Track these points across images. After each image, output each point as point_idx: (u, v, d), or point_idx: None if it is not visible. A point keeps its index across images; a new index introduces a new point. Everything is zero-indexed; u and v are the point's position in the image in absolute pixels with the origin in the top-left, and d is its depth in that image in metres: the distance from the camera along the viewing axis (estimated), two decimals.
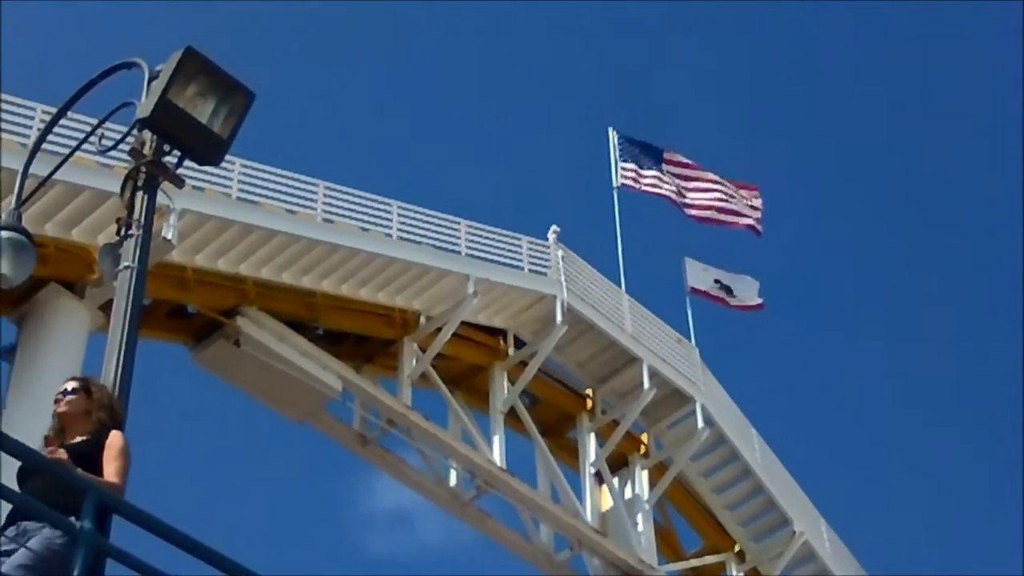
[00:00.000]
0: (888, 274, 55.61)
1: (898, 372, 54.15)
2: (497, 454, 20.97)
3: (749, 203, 27.06)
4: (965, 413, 53.88)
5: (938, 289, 54.63)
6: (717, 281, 26.47)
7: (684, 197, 26.41)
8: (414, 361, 20.55)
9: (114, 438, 6.90)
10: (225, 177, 17.79)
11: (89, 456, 6.73)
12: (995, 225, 54.48)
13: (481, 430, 21.29)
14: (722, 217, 26.66)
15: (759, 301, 26.79)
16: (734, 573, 24.35)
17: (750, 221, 26.86)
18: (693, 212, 26.51)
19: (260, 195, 18.26)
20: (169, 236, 16.09)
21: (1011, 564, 48.41)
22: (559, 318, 21.49)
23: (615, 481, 22.84)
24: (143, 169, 8.74)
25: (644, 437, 23.89)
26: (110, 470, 6.71)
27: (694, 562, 24.51)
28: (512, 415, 21.74)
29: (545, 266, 21.91)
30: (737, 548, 24.55)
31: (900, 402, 54.04)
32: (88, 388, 7.21)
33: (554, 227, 22.50)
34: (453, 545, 49.45)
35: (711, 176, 26.99)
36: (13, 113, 15.70)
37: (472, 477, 21.13)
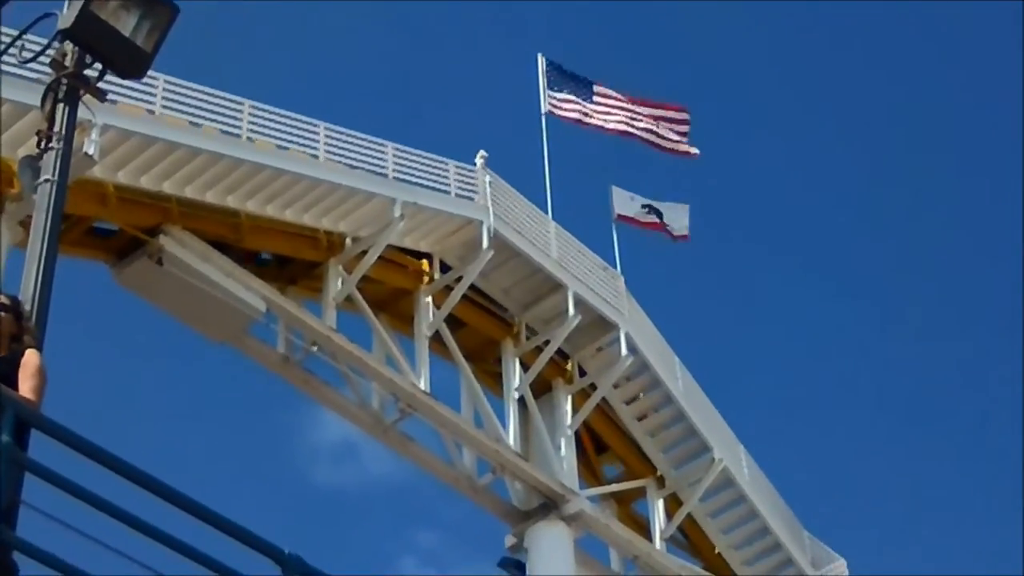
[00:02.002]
0: (818, 205, 56.04)
1: (823, 301, 54.86)
2: (421, 378, 21.00)
3: (679, 129, 27.03)
4: (888, 344, 54.75)
5: (872, 223, 55.25)
6: (645, 206, 26.55)
7: (612, 124, 26.37)
8: (339, 284, 20.47)
9: (30, 356, 6.81)
10: (148, 93, 17.55)
11: (3, 376, 6.63)
12: (935, 158, 54.97)
13: (406, 354, 21.30)
14: (653, 140, 26.67)
15: (685, 232, 26.89)
16: (654, 499, 24.65)
17: (684, 148, 26.87)
18: (619, 129, 26.43)
19: (184, 113, 18.03)
20: (91, 151, 15.84)
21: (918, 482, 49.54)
22: (485, 243, 21.48)
23: (538, 407, 22.99)
24: (64, 81, 8.60)
25: (568, 364, 24.03)
26: (26, 387, 6.62)
27: (614, 487, 24.79)
28: (437, 340, 21.77)
29: (472, 191, 21.85)
30: (657, 474, 24.83)
31: (823, 331, 54.70)
32: (19, 311, 7.10)
33: (482, 152, 22.44)
34: (400, 476, 49.76)
35: (643, 109, 26.95)
36: None
37: (395, 401, 21.16)
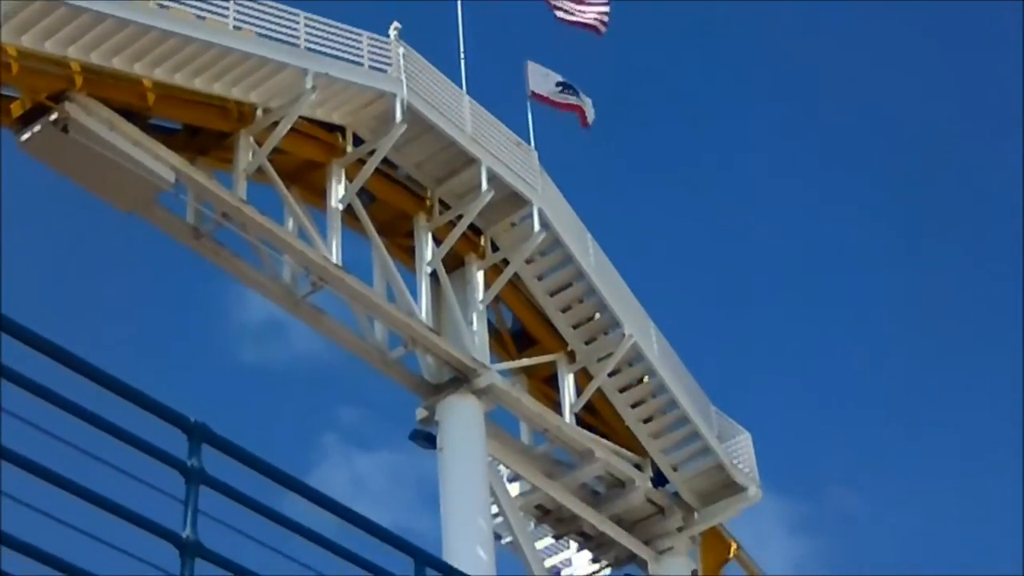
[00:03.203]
0: (734, 83, 56.08)
1: (741, 182, 55.14)
2: (333, 251, 20.91)
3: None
4: (793, 208, 55.31)
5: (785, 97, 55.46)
6: (560, 84, 26.44)
7: None
8: (250, 155, 20.23)
9: None
10: None
11: None
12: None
13: (318, 227, 21.18)
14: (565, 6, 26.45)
15: (588, 119, 26.78)
16: (564, 373, 24.91)
17: (593, 19, 26.66)
18: None
19: None
20: None
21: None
22: (399, 116, 21.29)
23: (450, 281, 23.04)
24: None
25: (481, 239, 24.05)
26: None
27: (525, 361, 25.00)
28: (349, 213, 21.65)
29: (386, 63, 21.59)
30: (568, 349, 25.06)
31: (735, 206, 55.03)
32: None
33: (395, 24, 22.13)
34: (327, 355, 49.65)
35: None
36: None
37: (307, 274, 21.07)
